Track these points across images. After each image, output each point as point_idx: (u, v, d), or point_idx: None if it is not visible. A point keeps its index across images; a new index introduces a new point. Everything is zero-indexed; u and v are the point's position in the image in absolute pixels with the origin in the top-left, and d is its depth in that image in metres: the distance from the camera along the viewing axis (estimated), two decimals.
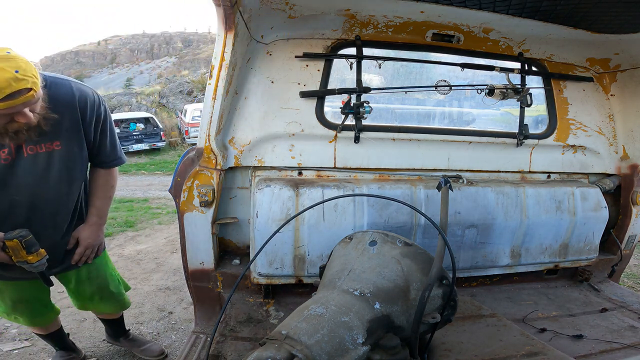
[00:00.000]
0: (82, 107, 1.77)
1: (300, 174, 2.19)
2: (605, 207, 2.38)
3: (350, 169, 2.24)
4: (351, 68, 2.13)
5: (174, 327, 3.16)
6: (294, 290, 2.15)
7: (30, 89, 1.44)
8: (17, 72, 1.38)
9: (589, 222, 2.35)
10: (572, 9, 1.87)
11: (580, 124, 2.49)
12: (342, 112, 2.10)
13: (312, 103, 2.14)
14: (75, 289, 2.16)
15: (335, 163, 2.22)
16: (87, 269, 2.11)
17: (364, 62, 2.14)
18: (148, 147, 15.25)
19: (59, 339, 2.40)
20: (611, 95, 2.50)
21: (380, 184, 2.16)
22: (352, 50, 2.14)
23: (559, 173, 2.56)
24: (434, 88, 2.28)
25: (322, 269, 1.44)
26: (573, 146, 2.50)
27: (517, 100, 2.27)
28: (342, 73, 2.23)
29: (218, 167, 1.99)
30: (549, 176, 2.55)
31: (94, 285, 2.18)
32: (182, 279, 3.84)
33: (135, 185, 9.72)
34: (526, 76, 2.33)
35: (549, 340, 1.85)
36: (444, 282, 1.20)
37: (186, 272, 2.16)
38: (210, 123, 1.91)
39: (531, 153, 2.46)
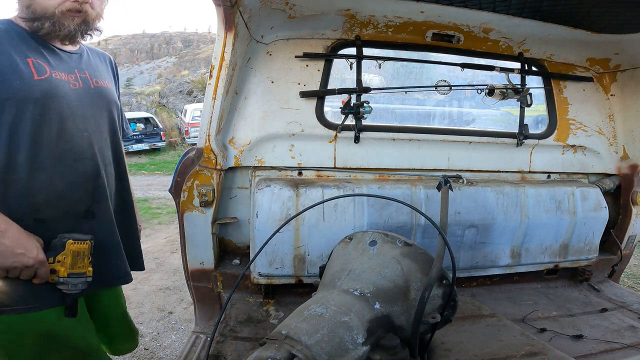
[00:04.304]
0: (115, 67, 1.70)
1: (300, 174, 2.19)
2: (605, 207, 2.38)
3: (350, 169, 2.24)
4: (351, 68, 2.13)
5: (174, 327, 3.17)
6: (294, 290, 2.15)
7: None
8: None
9: (589, 222, 2.35)
10: (572, 9, 1.87)
11: (580, 124, 2.49)
12: (342, 112, 2.10)
13: (312, 103, 2.14)
14: (108, 315, 1.68)
15: (335, 163, 2.21)
16: (116, 290, 1.73)
17: (364, 62, 2.14)
18: (148, 147, 15.25)
19: None
20: (611, 95, 2.50)
21: (380, 184, 2.16)
22: (352, 50, 2.14)
23: (559, 173, 2.56)
24: (434, 88, 2.28)
25: (322, 269, 1.44)
26: (573, 146, 2.50)
27: (517, 100, 2.27)
28: (342, 73, 2.23)
29: (218, 167, 1.99)
30: (549, 176, 2.55)
31: (123, 309, 1.79)
32: (182, 279, 3.84)
33: (135, 185, 9.67)
34: (526, 76, 2.33)
35: (549, 340, 1.85)
36: (444, 282, 1.20)
37: (186, 272, 2.16)
38: (210, 123, 1.91)
39: (531, 153, 2.46)
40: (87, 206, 1.39)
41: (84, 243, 1.30)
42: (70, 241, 1.27)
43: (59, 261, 1.26)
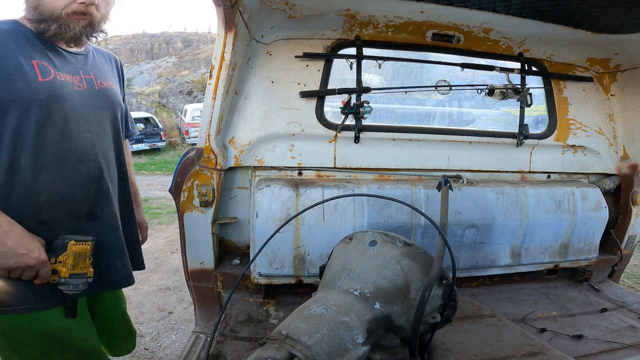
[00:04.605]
0: (120, 67, 1.71)
1: (300, 174, 2.19)
2: (605, 207, 2.38)
3: (350, 169, 2.24)
4: (351, 68, 2.13)
5: (174, 327, 3.17)
6: (294, 290, 2.15)
7: None
8: None
9: (589, 222, 2.35)
10: (572, 9, 1.87)
11: (580, 124, 2.49)
12: (342, 112, 2.10)
13: (312, 103, 2.14)
14: (108, 315, 1.67)
15: (335, 163, 2.21)
16: (117, 292, 1.73)
17: (364, 62, 2.14)
18: (148, 147, 15.26)
19: None
20: (611, 95, 2.50)
21: (380, 184, 2.16)
22: (352, 50, 2.14)
23: (559, 173, 2.56)
24: (434, 88, 2.28)
25: (322, 269, 1.44)
26: (573, 146, 2.50)
27: (517, 100, 2.27)
28: (342, 73, 2.23)
29: (218, 167, 1.99)
30: (549, 176, 2.55)
31: (123, 311, 1.78)
32: (182, 279, 3.85)
33: None
34: (526, 76, 2.33)
35: (549, 340, 1.85)
36: (444, 282, 1.20)
37: (186, 272, 2.16)
38: (210, 123, 1.91)
39: (531, 153, 2.46)
40: (90, 208, 1.39)
41: (85, 244, 1.30)
42: (72, 242, 1.28)
43: (60, 262, 1.26)
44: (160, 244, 5.18)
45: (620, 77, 2.43)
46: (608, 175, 2.62)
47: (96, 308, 1.58)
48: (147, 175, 11.63)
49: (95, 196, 1.40)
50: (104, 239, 1.41)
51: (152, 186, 9.55)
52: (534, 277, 2.49)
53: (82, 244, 1.29)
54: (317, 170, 2.21)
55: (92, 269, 1.33)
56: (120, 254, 1.50)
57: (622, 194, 2.59)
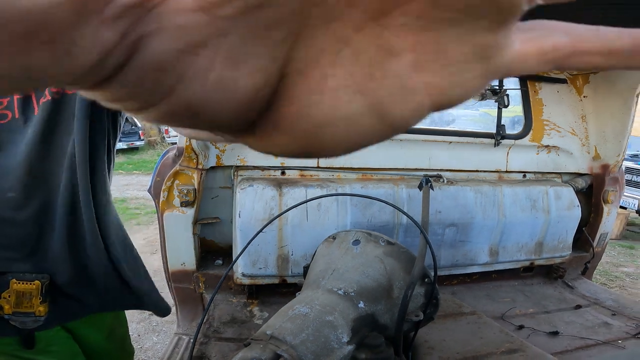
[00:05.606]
0: None
1: (283, 173, 2.19)
2: (578, 206, 2.46)
3: (333, 168, 2.25)
4: None
5: (155, 329, 3.12)
6: (278, 290, 2.14)
7: None
8: None
9: (562, 220, 2.42)
10: (549, 14, 1.93)
11: (554, 124, 2.56)
12: None
13: None
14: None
15: (318, 162, 2.22)
16: (114, 317, 1.46)
17: None
18: (126, 146, 14.91)
19: None
20: (584, 96, 2.58)
21: (363, 183, 2.18)
22: None
23: (534, 172, 2.63)
24: None
25: (306, 268, 1.44)
26: (547, 146, 2.57)
27: (495, 101, 2.32)
28: None
29: (199, 167, 1.96)
30: (524, 175, 2.61)
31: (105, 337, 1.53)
32: (162, 280, 3.77)
33: (112, 185, 9.46)
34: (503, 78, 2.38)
35: (527, 337, 1.90)
36: (426, 280, 1.22)
37: (167, 273, 2.12)
38: None
39: (508, 153, 2.52)
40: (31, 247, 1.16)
41: (30, 284, 1.14)
42: (14, 280, 1.13)
43: (4, 298, 1.14)
44: (139, 245, 5.06)
45: (593, 79, 2.51)
46: (580, 175, 2.70)
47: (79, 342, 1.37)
48: (125, 174, 11.35)
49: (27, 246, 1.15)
50: (52, 272, 1.20)
51: (130, 186, 9.33)
52: (511, 274, 2.56)
53: (26, 284, 1.14)
54: (301, 169, 2.21)
55: (42, 308, 1.16)
56: (75, 286, 1.25)
57: (594, 193, 2.67)
